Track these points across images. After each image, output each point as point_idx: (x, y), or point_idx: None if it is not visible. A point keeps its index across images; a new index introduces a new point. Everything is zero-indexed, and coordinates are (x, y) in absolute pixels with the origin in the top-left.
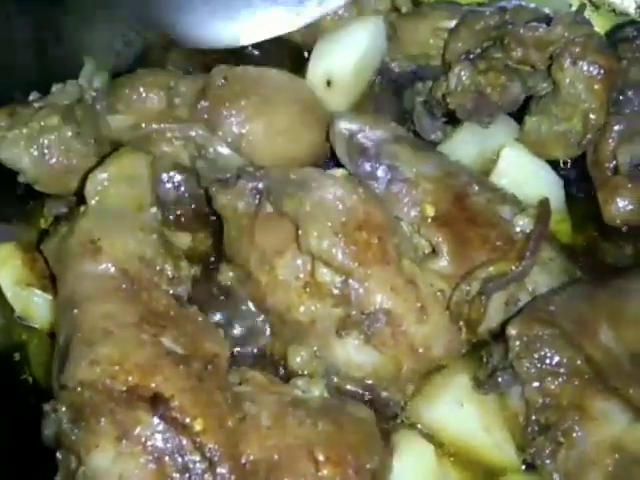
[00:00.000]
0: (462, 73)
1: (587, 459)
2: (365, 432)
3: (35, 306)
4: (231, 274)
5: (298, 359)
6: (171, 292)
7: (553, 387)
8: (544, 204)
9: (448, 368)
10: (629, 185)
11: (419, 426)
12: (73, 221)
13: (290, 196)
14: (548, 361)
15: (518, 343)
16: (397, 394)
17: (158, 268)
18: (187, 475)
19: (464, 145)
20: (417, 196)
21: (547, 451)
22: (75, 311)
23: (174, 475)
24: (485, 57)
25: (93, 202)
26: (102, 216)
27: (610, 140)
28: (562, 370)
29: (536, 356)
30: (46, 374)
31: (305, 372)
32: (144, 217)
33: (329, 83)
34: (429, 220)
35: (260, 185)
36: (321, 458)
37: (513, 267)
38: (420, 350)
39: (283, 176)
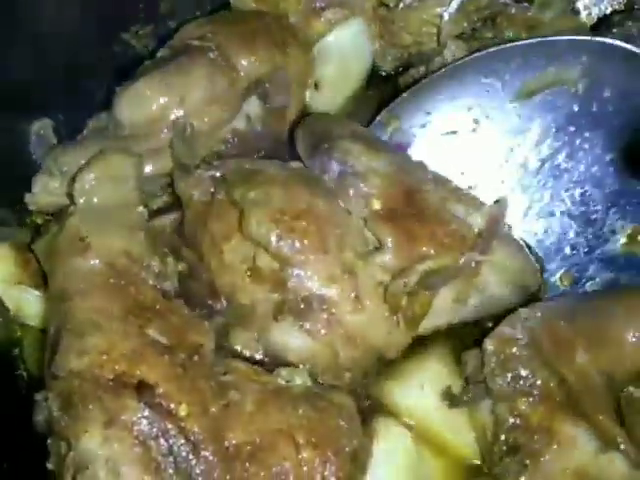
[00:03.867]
0: (457, 51)
1: None
2: (344, 417)
3: (27, 303)
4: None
5: (239, 342)
6: (158, 287)
7: (524, 408)
8: (500, 204)
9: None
10: None
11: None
12: (62, 220)
13: (239, 184)
14: (522, 381)
15: (494, 360)
16: (334, 381)
17: (145, 264)
18: (172, 458)
19: None
20: (366, 190)
21: (513, 473)
22: (65, 305)
23: (159, 458)
24: (477, 36)
25: (81, 201)
26: (90, 215)
27: None
28: (535, 391)
29: (510, 375)
30: (39, 368)
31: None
32: (131, 215)
33: (316, 86)
34: (376, 214)
35: (217, 174)
36: (301, 441)
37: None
38: (357, 339)
39: (238, 166)
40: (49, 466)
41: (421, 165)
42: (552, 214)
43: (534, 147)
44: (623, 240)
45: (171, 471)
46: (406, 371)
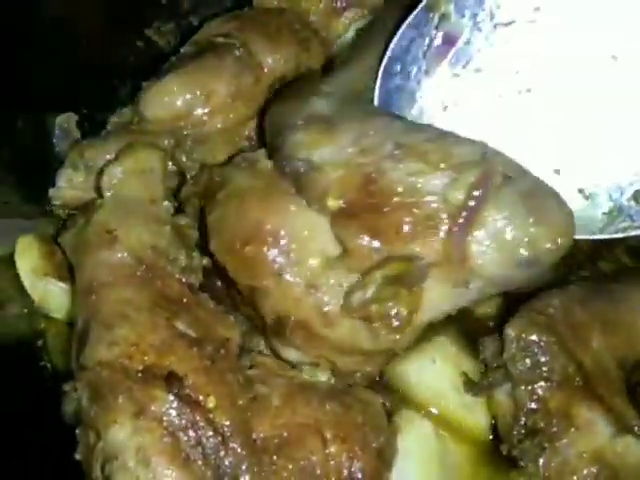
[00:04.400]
0: None
1: (568, 468)
2: (371, 413)
3: (52, 295)
4: None
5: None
6: (183, 280)
7: (543, 392)
8: (486, 161)
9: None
10: None
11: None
12: (89, 213)
13: (205, 203)
14: (542, 367)
15: (514, 345)
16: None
17: (171, 257)
18: (200, 449)
19: None
20: (323, 188)
21: (531, 455)
22: (93, 297)
23: (188, 449)
24: None
25: (108, 194)
26: (117, 208)
27: None
28: (554, 377)
29: (530, 361)
30: (63, 360)
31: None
32: (157, 209)
33: None
34: (336, 213)
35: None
36: (329, 436)
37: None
38: (346, 348)
39: (209, 177)
40: (77, 456)
41: (390, 126)
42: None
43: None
44: None
45: (200, 462)
46: (419, 351)
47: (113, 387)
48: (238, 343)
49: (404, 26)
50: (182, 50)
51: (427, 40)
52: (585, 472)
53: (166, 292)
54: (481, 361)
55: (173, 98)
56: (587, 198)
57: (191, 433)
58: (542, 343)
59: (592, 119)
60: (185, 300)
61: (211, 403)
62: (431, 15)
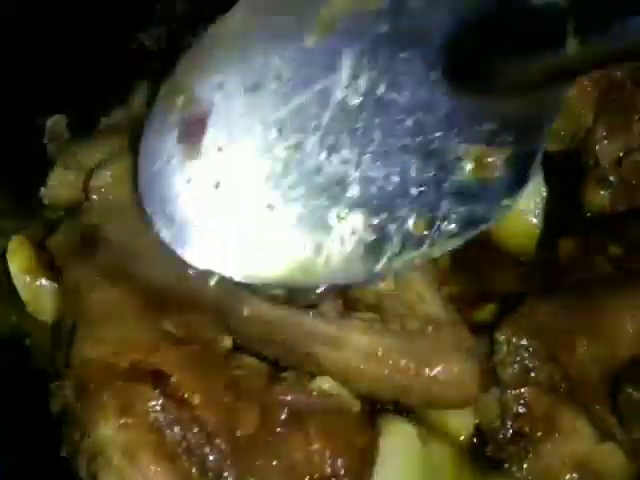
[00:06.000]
0: None
1: (551, 472)
2: (353, 413)
3: (41, 295)
4: None
5: None
6: None
7: (530, 397)
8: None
9: None
10: (604, 176)
11: None
12: (76, 216)
13: None
14: (530, 372)
15: (505, 349)
16: None
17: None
18: (185, 445)
19: None
20: None
21: (516, 459)
22: (79, 297)
23: (174, 445)
24: None
25: (95, 197)
26: (104, 210)
27: (595, 136)
28: (541, 382)
29: (519, 365)
30: (50, 360)
31: None
32: (143, 212)
33: None
34: None
35: None
36: (313, 433)
37: None
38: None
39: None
40: (63, 454)
41: None
42: (388, 154)
43: (351, 83)
44: (470, 166)
45: (185, 458)
46: None
47: (99, 384)
48: (225, 343)
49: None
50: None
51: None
52: (567, 477)
53: (152, 292)
54: None
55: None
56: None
57: (176, 429)
58: (531, 348)
59: None
60: (172, 301)
61: (196, 400)
62: (170, 107)
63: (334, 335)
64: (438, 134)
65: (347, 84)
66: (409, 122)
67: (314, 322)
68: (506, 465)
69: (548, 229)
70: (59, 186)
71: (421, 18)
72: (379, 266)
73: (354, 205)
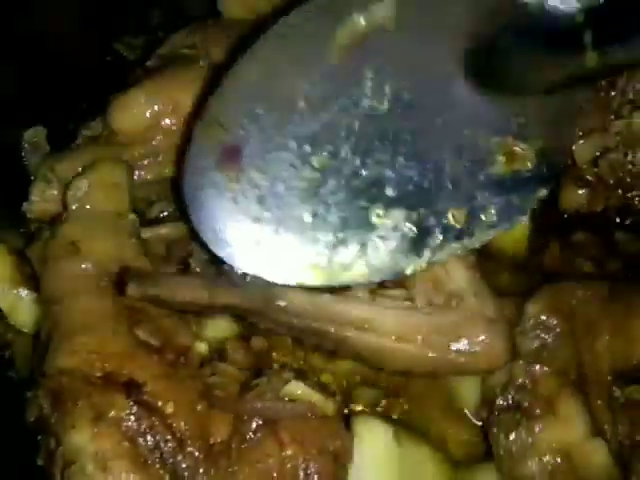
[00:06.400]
0: None
1: (533, 450)
2: (327, 417)
3: (21, 305)
4: None
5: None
6: None
7: (539, 374)
8: None
9: None
10: (582, 175)
11: None
12: (55, 226)
13: None
14: (547, 351)
15: (531, 322)
16: None
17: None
18: (158, 453)
19: None
20: None
21: (504, 427)
22: (56, 306)
23: (147, 453)
24: None
25: (74, 207)
26: (82, 221)
27: None
28: (555, 364)
29: (540, 342)
30: (29, 371)
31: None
32: (123, 222)
33: None
34: None
35: None
36: (286, 440)
37: None
38: None
39: None
40: (39, 462)
41: None
42: (420, 153)
43: (376, 91)
44: (502, 159)
45: (157, 466)
46: None
47: (73, 393)
48: (199, 352)
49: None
50: (148, 63)
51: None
52: (546, 459)
53: (129, 302)
54: None
55: (140, 110)
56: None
57: (149, 438)
58: (557, 330)
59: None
60: (148, 310)
61: (170, 409)
62: (207, 146)
63: (365, 318)
64: (467, 131)
65: (372, 93)
66: (438, 121)
67: (346, 307)
68: (494, 430)
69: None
70: (41, 201)
71: (431, 22)
72: (423, 259)
73: (393, 203)
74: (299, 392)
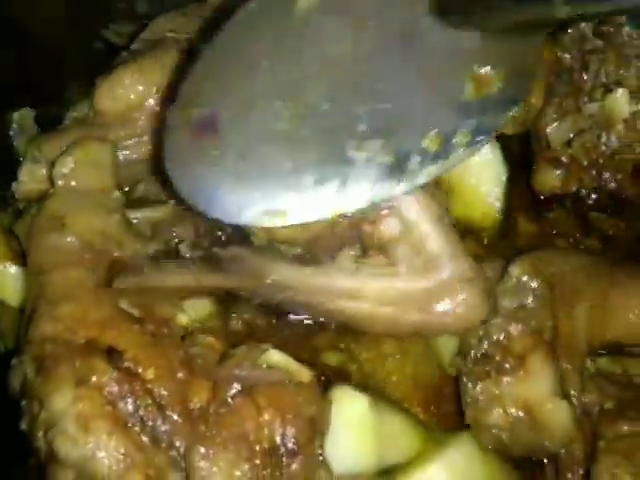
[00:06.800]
0: None
1: (498, 402)
2: (304, 383)
3: (8, 279)
4: None
5: None
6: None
7: (514, 333)
8: None
9: None
10: (557, 157)
11: None
12: (42, 202)
13: None
14: (525, 312)
15: (512, 282)
16: None
17: (119, 243)
18: (138, 417)
19: None
20: None
21: (474, 377)
22: (42, 277)
23: (127, 417)
24: None
25: (60, 183)
26: (68, 196)
27: (546, 119)
28: (531, 324)
29: (519, 302)
30: (15, 343)
31: None
32: (107, 198)
33: None
34: None
35: None
36: (263, 405)
37: None
38: None
39: None
40: (22, 427)
41: None
42: (390, 88)
43: (340, 35)
44: (470, 85)
45: (138, 429)
46: None
47: (56, 359)
48: (181, 323)
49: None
50: (132, 46)
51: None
52: (509, 411)
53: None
54: None
55: (124, 91)
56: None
57: (130, 402)
58: (537, 292)
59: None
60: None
61: (150, 375)
62: (184, 114)
63: (350, 287)
64: (434, 63)
65: (336, 38)
66: (405, 55)
67: (331, 278)
68: (464, 379)
69: (508, 210)
70: (30, 181)
71: None
72: (402, 184)
73: (368, 135)
74: (276, 360)
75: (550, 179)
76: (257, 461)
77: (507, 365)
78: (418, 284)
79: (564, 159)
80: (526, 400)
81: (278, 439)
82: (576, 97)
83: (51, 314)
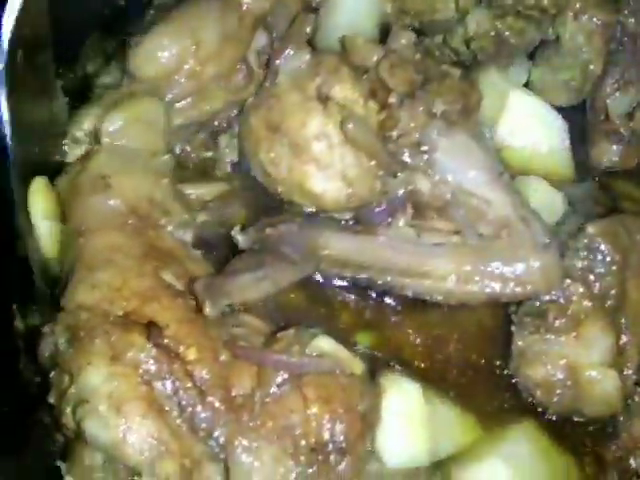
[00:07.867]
0: (481, 20)
1: (544, 359)
2: (355, 375)
3: (54, 237)
4: None
5: None
6: (176, 236)
7: (575, 294)
8: None
9: None
10: (616, 130)
11: None
12: (86, 160)
13: None
14: (592, 275)
15: (586, 242)
16: None
17: (166, 211)
18: (176, 400)
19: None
20: None
21: (526, 330)
22: (81, 240)
23: (163, 399)
24: (497, 4)
25: (106, 141)
26: (114, 155)
27: (605, 89)
28: (595, 288)
29: (588, 264)
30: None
31: None
32: (157, 162)
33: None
34: None
35: None
36: (311, 396)
37: None
38: None
39: None
40: (50, 400)
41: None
42: None
43: None
44: None
45: (175, 414)
46: None
47: (91, 330)
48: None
49: None
50: (155, 2)
51: None
52: (552, 372)
53: (157, 243)
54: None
55: (164, 53)
56: None
57: (168, 383)
58: (608, 257)
59: None
60: (176, 253)
61: (191, 355)
62: None
63: (416, 264)
64: None
65: None
66: None
67: (393, 254)
68: (517, 327)
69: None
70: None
71: None
72: None
73: None
74: (327, 348)
75: (608, 154)
76: (302, 457)
77: (561, 325)
78: (492, 252)
79: (624, 132)
80: (573, 363)
81: (326, 435)
82: (638, 67)
83: (88, 280)
